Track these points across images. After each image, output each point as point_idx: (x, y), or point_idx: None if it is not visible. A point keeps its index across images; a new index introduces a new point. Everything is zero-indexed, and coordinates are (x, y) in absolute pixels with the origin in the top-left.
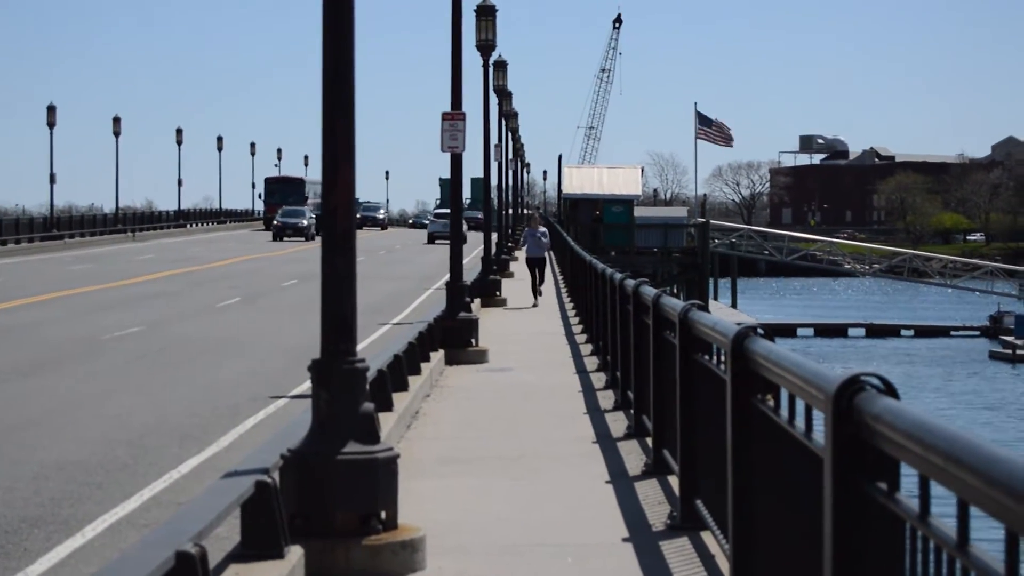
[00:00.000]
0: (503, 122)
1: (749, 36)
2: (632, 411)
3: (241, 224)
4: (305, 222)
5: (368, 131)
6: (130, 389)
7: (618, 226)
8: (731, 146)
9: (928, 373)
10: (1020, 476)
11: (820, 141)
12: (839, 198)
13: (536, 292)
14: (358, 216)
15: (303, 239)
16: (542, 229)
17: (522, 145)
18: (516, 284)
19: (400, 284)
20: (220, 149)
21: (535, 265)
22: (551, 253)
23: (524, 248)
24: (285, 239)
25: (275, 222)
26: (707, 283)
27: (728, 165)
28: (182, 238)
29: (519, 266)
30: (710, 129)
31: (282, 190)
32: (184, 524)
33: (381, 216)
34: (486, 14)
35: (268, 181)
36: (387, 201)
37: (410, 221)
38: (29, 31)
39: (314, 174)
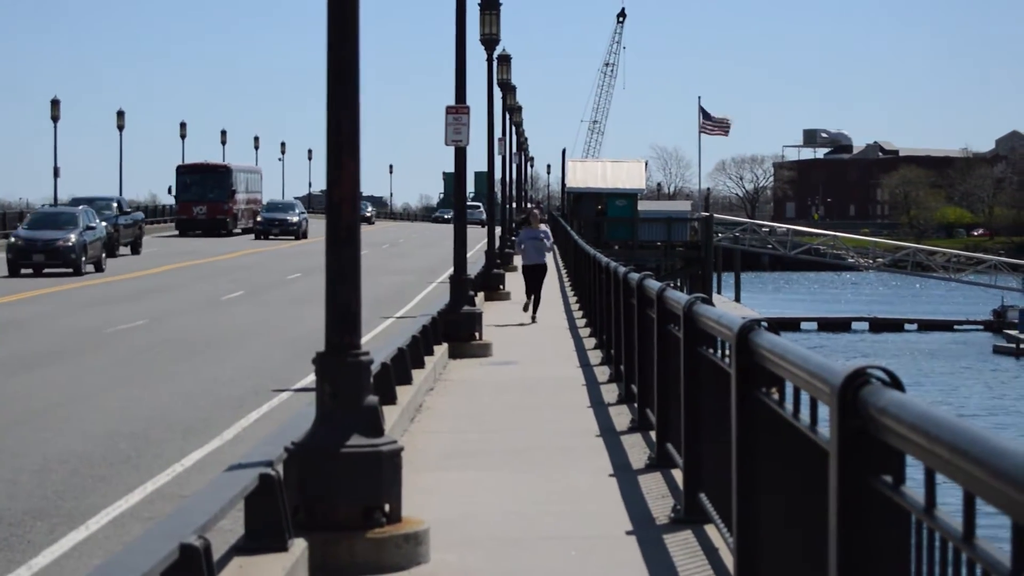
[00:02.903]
0: (507, 116)
1: (753, 30)
2: (636, 405)
3: None
4: (73, 238)
5: (372, 124)
6: (134, 382)
7: (621, 220)
8: (727, 135)
9: (932, 367)
10: None
11: (824, 135)
12: (843, 192)
13: (531, 305)
14: (260, 219)
15: (69, 271)
16: (543, 228)
17: (526, 139)
18: (520, 278)
19: (404, 278)
20: (224, 143)
21: (533, 275)
22: (555, 252)
23: (520, 253)
24: (40, 272)
25: (11, 239)
26: (710, 277)
27: (732, 159)
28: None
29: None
30: (711, 122)
31: (200, 183)
32: (188, 517)
33: (293, 220)
34: (490, 8)
35: (181, 171)
36: (391, 194)
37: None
38: (32, 25)
39: (317, 167)
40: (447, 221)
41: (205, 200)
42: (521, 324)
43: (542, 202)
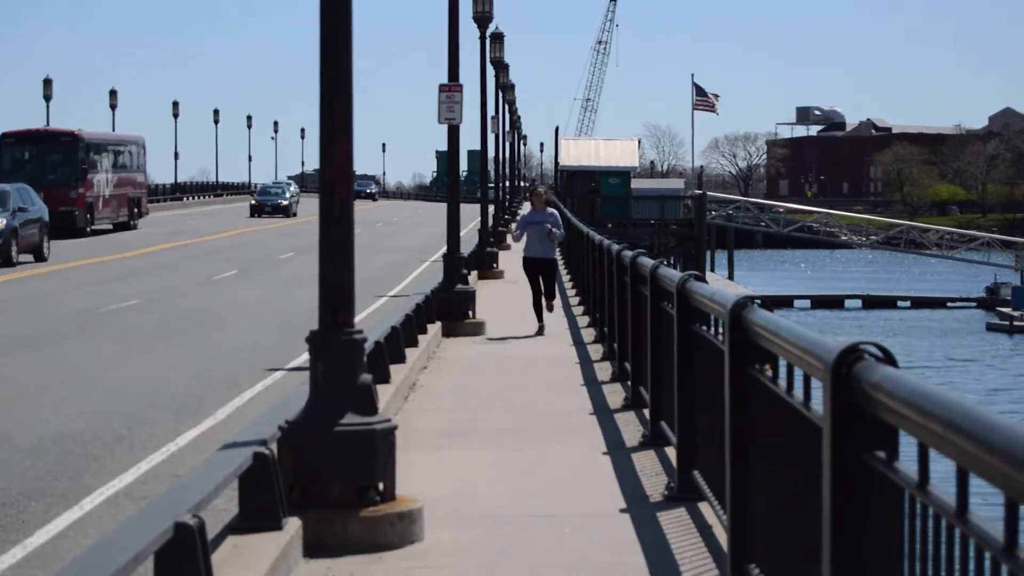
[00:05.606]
0: (500, 94)
1: (746, 7)
2: (630, 382)
3: (239, 197)
4: None
5: (365, 103)
6: (127, 362)
7: (615, 198)
8: (716, 112)
9: (926, 344)
10: (1019, 443)
11: (817, 112)
12: (836, 169)
13: (540, 310)
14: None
15: None
16: (550, 211)
17: (519, 117)
18: (514, 256)
19: (397, 256)
20: (216, 122)
21: (540, 271)
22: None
23: (521, 242)
24: None
25: None
26: (704, 255)
27: (725, 137)
28: (179, 211)
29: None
30: (706, 99)
31: (37, 158)
32: (182, 496)
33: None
34: None
35: (7, 141)
36: (383, 173)
37: None
38: (24, 3)
39: (311, 147)
40: (370, 196)
41: (43, 184)
42: (527, 336)
43: (536, 179)
